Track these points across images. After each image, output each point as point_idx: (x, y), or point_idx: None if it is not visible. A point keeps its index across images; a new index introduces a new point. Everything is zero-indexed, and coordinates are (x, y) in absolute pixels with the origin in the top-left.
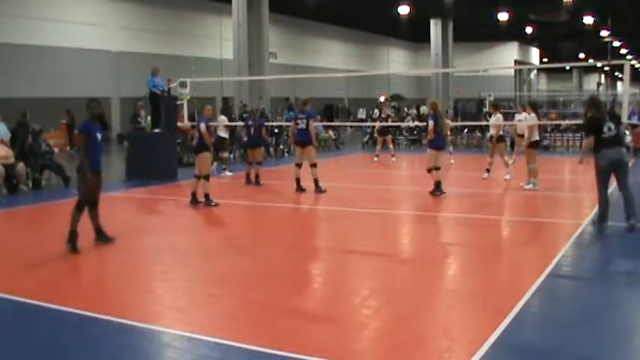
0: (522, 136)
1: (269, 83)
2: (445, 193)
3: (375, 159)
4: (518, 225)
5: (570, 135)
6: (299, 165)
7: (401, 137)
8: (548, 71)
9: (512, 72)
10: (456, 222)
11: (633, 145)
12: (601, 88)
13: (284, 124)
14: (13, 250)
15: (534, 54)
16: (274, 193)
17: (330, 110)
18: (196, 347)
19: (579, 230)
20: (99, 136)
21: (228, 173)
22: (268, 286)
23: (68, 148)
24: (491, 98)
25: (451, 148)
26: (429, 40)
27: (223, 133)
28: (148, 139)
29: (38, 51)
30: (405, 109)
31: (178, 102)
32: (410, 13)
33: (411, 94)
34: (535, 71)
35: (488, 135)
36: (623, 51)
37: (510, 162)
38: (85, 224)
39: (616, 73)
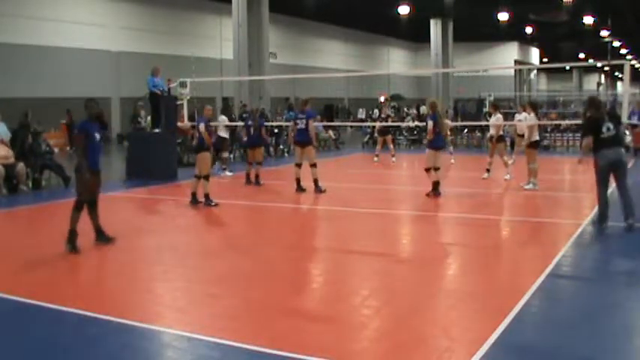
0: (522, 136)
1: (269, 83)
2: (440, 194)
3: (375, 159)
4: (518, 225)
5: (570, 135)
6: (299, 165)
7: (401, 137)
8: (548, 71)
9: (512, 72)
10: (455, 222)
11: (633, 145)
12: (601, 88)
13: (284, 124)
14: (13, 250)
15: (534, 54)
16: (274, 193)
17: (330, 110)
18: (196, 347)
19: (579, 230)
20: (97, 136)
21: (228, 173)
22: (268, 286)
23: (68, 148)
24: (491, 98)
25: (451, 148)
26: (429, 40)
27: (224, 133)
28: (148, 139)
29: (38, 51)
30: (405, 109)
31: (178, 102)
32: (410, 13)
33: (411, 94)
34: (535, 71)
35: (488, 135)
36: (623, 51)
37: (510, 162)
38: (85, 224)
39: (616, 73)
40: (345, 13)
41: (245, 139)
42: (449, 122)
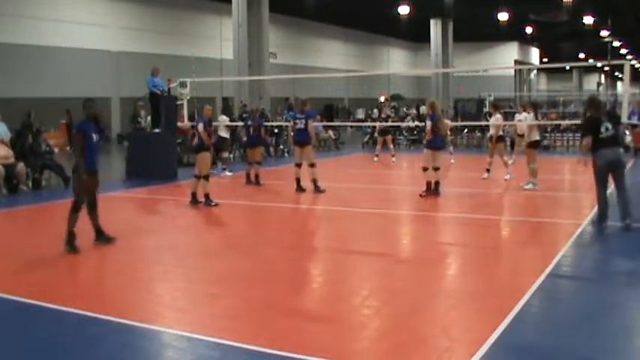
0: (522, 136)
1: (269, 83)
2: (425, 195)
3: (375, 159)
4: (518, 225)
5: (570, 135)
6: (299, 165)
7: (401, 137)
8: (548, 71)
9: (512, 72)
10: (455, 222)
11: (633, 145)
12: (601, 88)
13: (284, 124)
14: (13, 250)
15: (534, 54)
16: (274, 193)
17: (330, 110)
18: (196, 347)
19: (579, 230)
20: (95, 137)
21: (228, 173)
22: (268, 286)
23: (68, 148)
24: (491, 98)
25: (451, 148)
26: (429, 40)
27: (224, 133)
28: (148, 139)
29: (38, 51)
30: (404, 109)
31: (178, 102)
32: (410, 13)
33: (411, 94)
34: (535, 71)
35: (488, 135)
36: (623, 51)
37: (510, 162)
38: (84, 224)
39: (616, 73)
40: (345, 13)
41: (245, 139)
42: (449, 122)
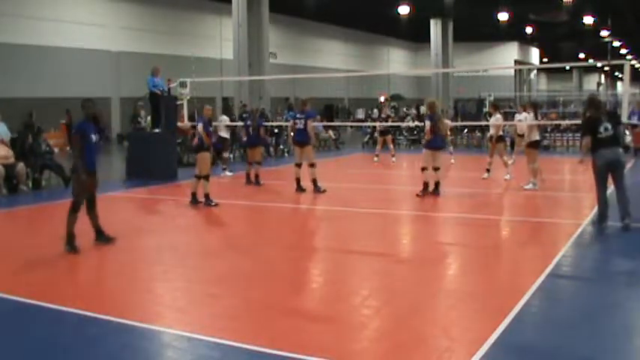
0: (522, 136)
1: (269, 83)
2: (422, 195)
3: (375, 159)
4: (518, 225)
5: (570, 135)
6: (299, 165)
7: (401, 137)
8: (548, 71)
9: (512, 72)
10: (455, 222)
11: (633, 145)
12: (601, 88)
13: (284, 124)
14: (13, 250)
15: (534, 54)
16: (274, 193)
17: (330, 110)
18: (196, 347)
19: (579, 230)
20: (94, 137)
21: (228, 173)
22: (268, 286)
23: (68, 148)
24: (491, 98)
25: (451, 148)
26: (429, 40)
27: (224, 133)
28: (148, 139)
29: (38, 51)
30: (404, 110)
31: (178, 102)
32: (410, 13)
33: (411, 94)
34: (535, 71)
35: (488, 135)
36: (623, 51)
37: (510, 162)
38: (85, 224)
39: (616, 73)
40: (345, 13)
41: (245, 139)
42: (449, 122)
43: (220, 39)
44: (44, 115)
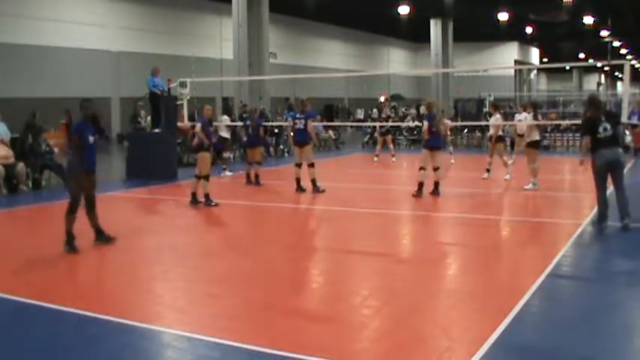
0: (522, 136)
1: (269, 83)
2: (417, 195)
3: (375, 159)
4: (518, 225)
5: (570, 135)
6: (298, 165)
7: (401, 137)
8: (548, 71)
9: (512, 72)
10: (456, 222)
11: (633, 145)
12: (601, 88)
13: (284, 124)
14: (13, 250)
15: (534, 54)
16: (274, 193)
17: (330, 110)
18: (196, 347)
19: (579, 230)
20: (91, 138)
21: (228, 173)
22: (268, 286)
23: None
24: (491, 98)
25: (451, 148)
26: (429, 40)
27: (225, 133)
28: (148, 139)
29: (38, 51)
30: (403, 110)
31: (178, 102)
32: (410, 13)
33: (411, 94)
34: (535, 71)
35: (487, 135)
36: (623, 51)
37: (510, 162)
38: (85, 224)
39: (616, 73)
40: (345, 13)
41: (245, 139)
42: (449, 122)
43: (220, 39)
44: (44, 115)
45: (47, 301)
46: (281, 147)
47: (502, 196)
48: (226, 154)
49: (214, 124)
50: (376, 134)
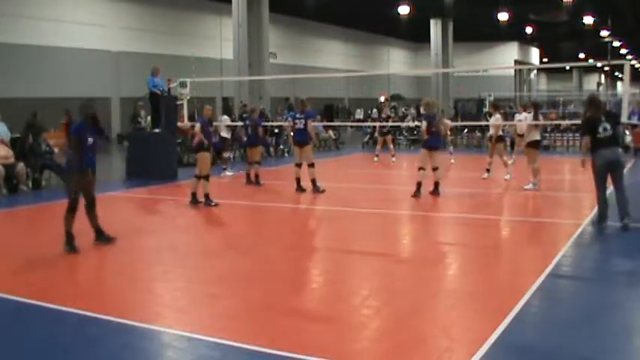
0: (522, 136)
1: (269, 83)
2: (416, 196)
3: (375, 159)
4: (518, 225)
5: (570, 135)
6: (299, 165)
7: (401, 137)
8: (548, 71)
9: (512, 72)
10: (456, 222)
11: (633, 145)
12: (601, 88)
13: (284, 124)
14: (13, 250)
15: (534, 54)
16: (274, 193)
17: (330, 110)
18: (196, 347)
19: (579, 230)
20: (90, 140)
21: (228, 173)
22: (268, 286)
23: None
24: (491, 98)
25: (451, 148)
26: (429, 40)
27: (225, 134)
28: (148, 139)
29: (38, 51)
30: (403, 110)
31: (178, 102)
32: (410, 13)
33: (411, 94)
34: (535, 71)
35: (487, 135)
36: (623, 51)
37: (510, 162)
38: (85, 224)
39: (616, 73)
40: (345, 13)
41: (244, 139)
42: (449, 122)
43: (220, 39)
44: (44, 115)
45: (47, 301)
46: (281, 147)
47: (502, 196)
48: (226, 154)
49: (214, 124)
50: (376, 134)
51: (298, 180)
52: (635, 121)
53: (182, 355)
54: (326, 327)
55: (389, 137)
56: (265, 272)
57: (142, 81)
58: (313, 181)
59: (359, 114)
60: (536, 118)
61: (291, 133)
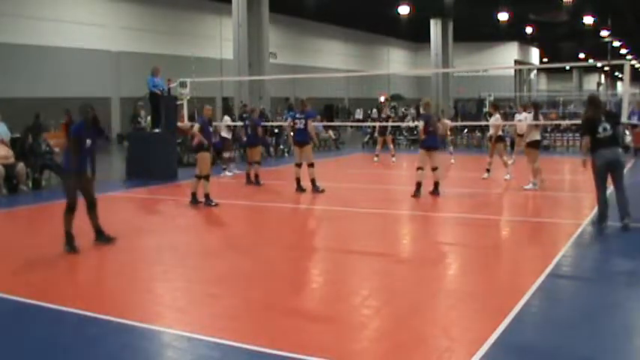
0: (522, 135)
1: (269, 83)
2: (416, 196)
3: (375, 159)
4: (518, 225)
5: (570, 135)
6: (299, 165)
7: (401, 137)
8: (548, 71)
9: (512, 72)
10: (456, 222)
11: (633, 145)
12: (601, 88)
13: (284, 124)
14: (13, 250)
15: (534, 54)
16: (274, 193)
17: (330, 110)
18: (196, 347)
19: (579, 230)
20: (88, 142)
21: (228, 173)
22: (268, 286)
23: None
24: (491, 98)
25: (451, 148)
26: (429, 40)
27: (225, 134)
28: (148, 139)
29: (38, 51)
30: (402, 110)
31: (178, 102)
32: (410, 13)
33: (411, 94)
34: (535, 71)
35: (487, 135)
36: (623, 51)
37: (510, 162)
38: (85, 224)
39: (616, 73)
40: (345, 13)
41: (244, 139)
42: (449, 122)
43: (220, 39)
44: (44, 115)
45: (47, 301)
46: (281, 147)
47: (502, 196)
48: (227, 154)
49: (214, 124)
50: (376, 134)
51: (298, 180)
52: (635, 121)
53: (182, 355)
54: (326, 327)
55: (389, 137)
56: (265, 272)
57: (142, 81)
58: (313, 181)
59: (359, 114)
60: (536, 118)
61: (291, 133)
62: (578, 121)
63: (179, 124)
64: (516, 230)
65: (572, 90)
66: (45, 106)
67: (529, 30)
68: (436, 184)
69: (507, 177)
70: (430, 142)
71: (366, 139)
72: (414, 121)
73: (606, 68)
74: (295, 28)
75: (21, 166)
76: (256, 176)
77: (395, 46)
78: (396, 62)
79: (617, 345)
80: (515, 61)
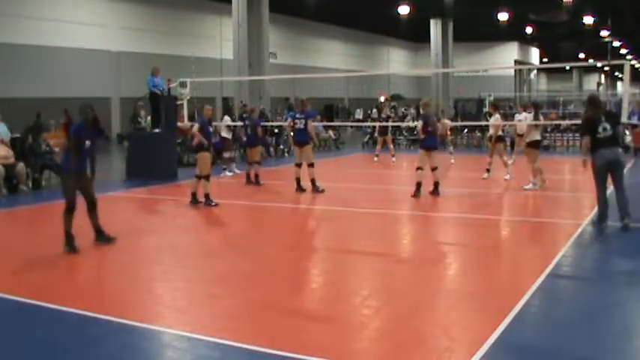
0: (522, 135)
1: (269, 83)
2: (416, 196)
3: (375, 159)
4: (518, 225)
5: (570, 135)
6: (299, 165)
7: (401, 137)
8: (548, 71)
9: (512, 72)
10: (456, 222)
11: (633, 145)
12: (601, 88)
13: (284, 124)
14: (13, 250)
15: (534, 54)
16: (274, 193)
17: (330, 110)
18: (196, 347)
19: (579, 230)
20: (87, 143)
21: (228, 173)
22: (268, 286)
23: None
24: (491, 98)
25: (451, 148)
26: (429, 40)
27: (225, 134)
28: (148, 139)
29: (38, 51)
30: (402, 110)
31: (178, 102)
32: (410, 13)
33: (411, 94)
34: (535, 71)
35: (487, 135)
36: (623, 51)
37: (510, 162)
38: (85, 224)
39: (616, 73)
40: (345, 13)
41: (244, 139)
42: (449, 122)
43: (220, 39)
44: (44, 115)
45: (47, 301)
46: (281, 147)
47: (502, 196)
48: (227, 154)
49: (214, 124)
50: (376, 134)
51: (298, 180)
52: (635, 121)
53: (182, 355)
54: (326, 327)
55: (389, 137)
56: (265, 272)
57: (141, 81)
58: (313, 181)
59: (359, 114)
60: (536, 118)
61: (291, 133)
62: (578, 121)
63: (179, 124)
64: (516, 230)
65: (572, 90)
66: (45, 106)
67: (529, 30)
68: (436, 184)
69: (507, 177)
70: (429, 142)
71: (366, 139)
72: (414, 121)
73: (606, 68)
74: (295, 28)
75: (21, 166)
76: (256, 176)
77: (395, 46)
78: (396, 62)
79: (617, 345)
80: (515, 61)
